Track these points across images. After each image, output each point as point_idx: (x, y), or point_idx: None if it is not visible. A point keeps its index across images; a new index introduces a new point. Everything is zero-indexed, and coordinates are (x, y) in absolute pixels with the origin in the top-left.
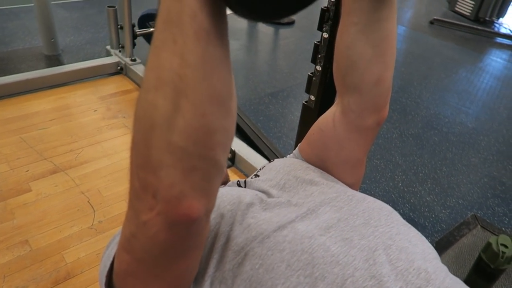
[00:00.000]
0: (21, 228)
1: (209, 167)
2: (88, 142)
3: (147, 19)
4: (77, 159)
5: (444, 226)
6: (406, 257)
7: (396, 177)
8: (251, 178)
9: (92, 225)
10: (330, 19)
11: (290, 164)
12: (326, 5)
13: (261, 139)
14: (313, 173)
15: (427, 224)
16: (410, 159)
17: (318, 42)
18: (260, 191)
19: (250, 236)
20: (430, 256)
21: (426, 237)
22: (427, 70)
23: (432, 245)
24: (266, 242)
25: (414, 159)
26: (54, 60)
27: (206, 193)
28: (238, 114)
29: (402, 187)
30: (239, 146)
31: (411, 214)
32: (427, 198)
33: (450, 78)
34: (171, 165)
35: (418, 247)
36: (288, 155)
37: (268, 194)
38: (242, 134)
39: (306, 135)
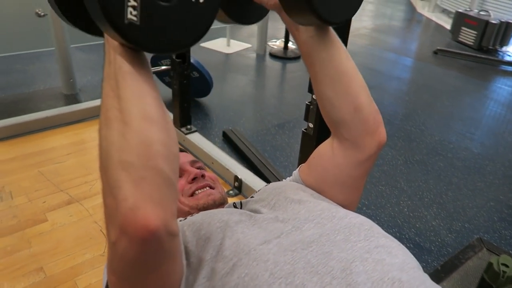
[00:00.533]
0: (36, 256)
1: (154, 176)
2: None
3: (159, 58)
4: (91, 190)
5: (450, 250)
6: (382, 268)
7: (401, 202)
8: (247, 199)
9: (103, 252)
10: None
11: (282, 186)
12: None
13: (267, 168)
14: (303, 193)
15: (433, 248)
16: (415, 185)
17: None
18: (252, 210)
19: (239, 249)
20: (408, 266)
21: (432, 261)
22: (431, 98)
23: (437, 268)
24: (253, 254)
25: (419, 185)
26: (72, 98)
27: (158, 203)
28: (245, 144)
29: (407, 212)
30: (245, 174)
31: (416, 238)
32: (433, 223)
33: (454, 105)
34: (124, 180)
35: (398, 258)
36: (288, 177)
37: (259, 213)
38: (249, 163)
39: (308, 159)
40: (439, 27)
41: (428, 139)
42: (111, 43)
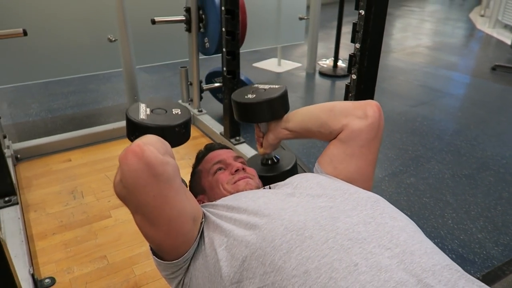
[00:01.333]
0: (101, 246)
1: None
2: None
3: (213, 76)
4: None
5: (495, 263)
6: (383, 228)
7: (446, 214)
8: (276, 183)
9: None
10: (356, 63)
11: (306, 174)
12: (353, 52)
13: None
14: (321, 177)
15: (476, 260)
16: (462, 198)
17: (349, 83)
18: (278, 188)
19: (260, 211)
20: (409, 228)
21: (475, 272)
22: (486, 114)
23: (479, 278)
24: (272, 215)
25: (466, 198)
26: None
27: (155, 149)
28: (282, 148)
29: (451, 224)
30: None
31: (460, 249)
32: (478, 235)
33: (511, 121)
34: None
35: (402, 222)
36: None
37: (282, 189)
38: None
39: (323, 152)
40: (499, 43)
41: (479, 154)
42: None
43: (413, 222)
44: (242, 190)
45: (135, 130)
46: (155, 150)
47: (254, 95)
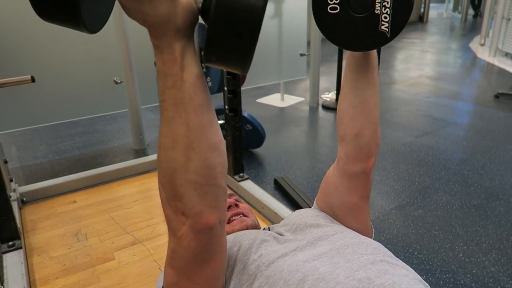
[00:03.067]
0: None
1: (215, 191)
2: (163, 218)
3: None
4: (152, 232)
5: None
6: (384, 276)
7: (456, 247)
8: (275, 224)
9: None
10: None
11: (304, 213)
12: None
13: None
14: (321, 219)
15: None
16: (472, 230)
17: None
18: (277, 233)
19: (261, 263)
20: (410, 277)
21: None
22: (492, 142)
23: None
24: (271, 266)
25: (477, 230)
26: (141, 153)
27: (216, 208)
28: (295, 190)
29: (463, 258)
30: None
31: (473, 285)
32: (492, 269)
33: None
34: (190, 194)
35: (401, 271)
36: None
37: (282, 235)
38: (298, 208)
39: (320, 188)
40: (501, 71)
41: (487, 183)
42: (186, 67)
43: (413, 271)
44: (238, 230)
45: None
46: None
47: None
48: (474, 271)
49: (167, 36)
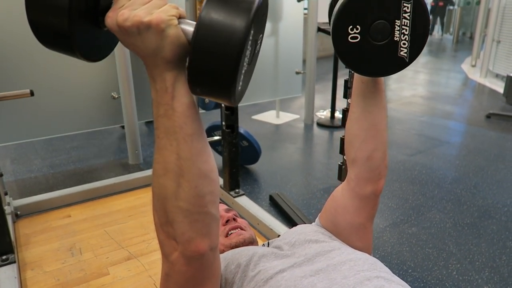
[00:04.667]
0: None
1: (205, 218)
2: None
3: (212, 130)
4: (147, 248)
5: None
6: None
7: (450, 265)
8: (274, 239)
9: None
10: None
11: (304, 228)
12: (346, 107)
13: None
14: (321, 235)
15: None
16: (465, 248)
17: (343, 136)
18: (275, 247)
19: (259, 279)
20: None
21: None
22: (484, 162)
23: None
24: (269, 281)
25: (470, 248)
26: (136, 167)
27: (207, 235)
28: (290, 207)
29: (456, 276)
30: None
31: None
32: (485, 287)
33: (509, 168)
34: (181, 221)
35: (398, 286)
36: (313, 223)
37: (280, 249)
38: (294, 225)
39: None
40: (492, 92)
41: (480, 202)
42: (176, 97)
43: (409, 287)
44: (236, 243)
45: None
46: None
47: None
48: None
49: (158, 66)
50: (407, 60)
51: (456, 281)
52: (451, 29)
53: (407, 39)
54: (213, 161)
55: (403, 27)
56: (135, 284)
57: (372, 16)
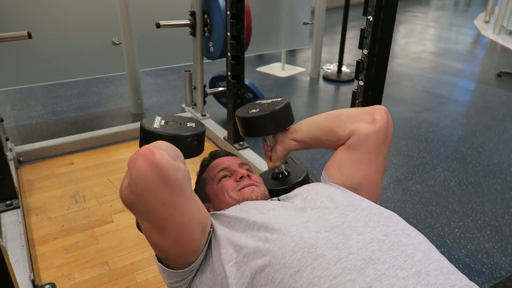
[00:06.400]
0: (103, 251)
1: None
2: None
3: (217, 80)
4: None
5: (503, 273)
6: (397, 248)
7: (452, 223)
8: (285, 195)
9: None
10: (364, 69)
11: (315, 184)
12: (360, 58)
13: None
14: (331, 188)
15: (484, 270)
16: (469, 207)
17: (356, 89)
18: (288, 201)
19: (269, 226)
20: (423, 246)
21: (483, 283)
22: (492, 121)
23: None
24: (282, 231)
25: (473, 207)
26: (139, 117)
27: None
28: (293, 160)
29: (458, 233)
30: None
31: (467, 259)
32: (486, 245)
33: None
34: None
35: (416, 239)
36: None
37: (292, 202)
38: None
39: (330, 158)
40: (504, 49)
41: (486, 161)
42: None
43: (427, 239)
44: (248, 198)
45: (147, 139)
46: (166, 155)
47: (258, 109)
48: (468, 247)
49: None
50: None
51: (458, 239)
52: None
53: None
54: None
55: None
56: (139, 232)
57: None
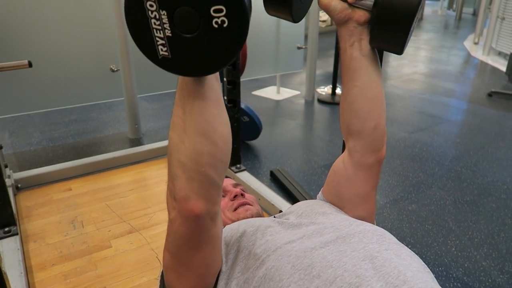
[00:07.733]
0: (101, 277)
1: (202, 178)
2: (159, 208)
3: None
4: (149, 221)
5: None
6: (390, 264)
7: (449, 241)
8: (280, 213)
9: (158, 276)
10: None
11: (310, 202)
12: None
13: None
14: (327, 208)
15: None
16: (465, 225)
17: None
18: (282, 219)
19: (267, 248)
20: (414, 267)
21: None
22: (485, 140)
23: None
24: (279, 250)
25: (469, 225)
26: (136, 142)
27: (204, 198)
28: (291, 183)
29: (455, 252)
30: None
31: (465, 278)
32: (483, 263)
33: (509, 147)
34: (180, 176)
35: (406, 260)
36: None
37: (287, 219)
38: (294, 200)
39: (326, 179)
40: (494, 69)
41: (480, 180)
42: None
43: (418, 258)
44: (243, 218)
45: None
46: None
47: None
48: (466, 265)
49: None
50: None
51: (455, 257)
52: (454, 6)
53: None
54: (222, 126)
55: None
56: (138, 257)
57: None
